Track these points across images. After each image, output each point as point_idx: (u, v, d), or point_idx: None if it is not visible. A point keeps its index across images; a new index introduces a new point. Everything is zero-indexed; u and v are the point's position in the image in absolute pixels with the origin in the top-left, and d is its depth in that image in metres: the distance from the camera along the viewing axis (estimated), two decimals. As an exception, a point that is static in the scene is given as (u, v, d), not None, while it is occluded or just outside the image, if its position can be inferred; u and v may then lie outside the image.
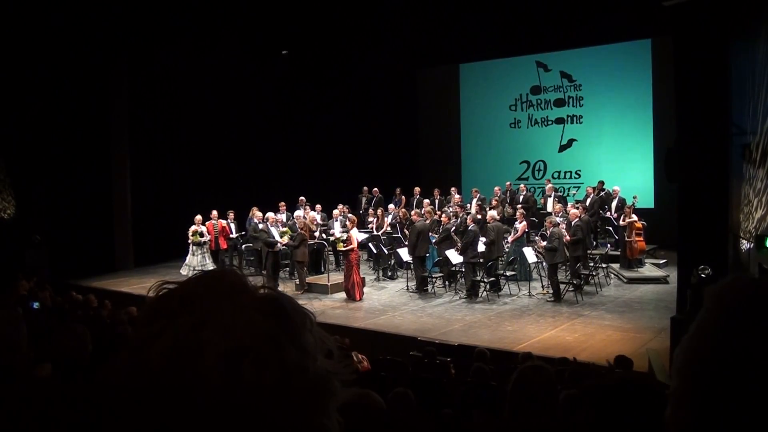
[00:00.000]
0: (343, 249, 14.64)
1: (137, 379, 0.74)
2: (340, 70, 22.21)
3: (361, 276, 14.84)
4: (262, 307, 0.78)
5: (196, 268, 15.85)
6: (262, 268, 17.46)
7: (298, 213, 17.43)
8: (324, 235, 16.80)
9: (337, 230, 16.27)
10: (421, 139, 25.15)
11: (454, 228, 15.02)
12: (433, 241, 15.11)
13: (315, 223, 16.87)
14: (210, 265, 16.21)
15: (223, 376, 0.72)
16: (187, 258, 16.16)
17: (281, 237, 15.37)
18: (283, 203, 17.47)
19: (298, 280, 15.40)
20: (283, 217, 16.55)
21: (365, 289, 15.08)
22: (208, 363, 0.72)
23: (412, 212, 15.96)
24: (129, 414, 0.73)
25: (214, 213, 16.72)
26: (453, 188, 19.59)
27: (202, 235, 16.07)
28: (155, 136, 18.82)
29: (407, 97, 24.65)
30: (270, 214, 15.88)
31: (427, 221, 15.22)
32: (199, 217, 16.15)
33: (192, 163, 19.33)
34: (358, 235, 15.12)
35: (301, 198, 18.78)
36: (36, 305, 9.81)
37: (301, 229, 15.34)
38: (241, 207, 17.60)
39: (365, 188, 20.79)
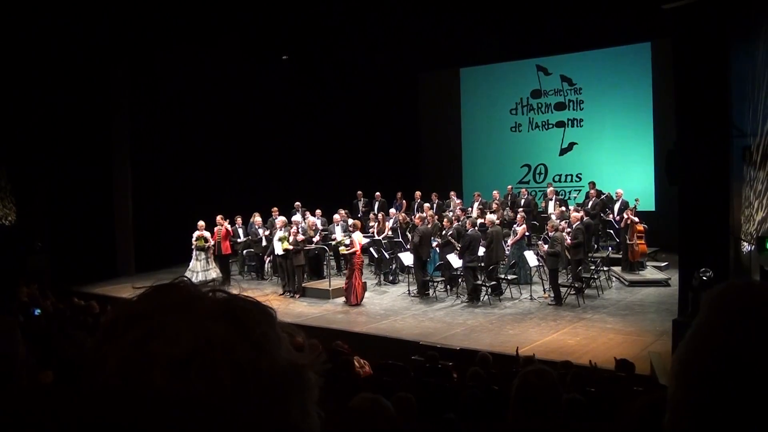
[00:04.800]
0: (346, 252, 14.60)
1: (97, 401, 0.74)
2: (340, 74, 22.23)
3: (363, 280, 14.85)
4: (211, 312, 0.78)
5: (199, 273, 15.87)
6: (263, 274, 17.52)
7: (296, 218, 17.41)
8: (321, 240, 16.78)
9: (338, 235, 16.25)
10: (422, 143, 25.16)
11: (453, 232, 15.02)
12: (435, 244, 15.12)
13: (314, 228, 16.83)
14: (213, 271, 16.21)
15: (174, 386, 0.72)
16: (191, 263, 16.15)
17: (281, 243, 15.41)
18: (275, 208, 17.47)
19: (297, 283, 15.42)
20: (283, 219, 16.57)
21: (367, 294, 15.07)
22: (157, 375, 0.72)
23: (416, 217, 15.92)
24: None
25: (219, 218, 16.69)
26: (452, 192, 19.60)
27: (206, 240, 16.05)
28: (156, 142, 18.82)
29: (408, 101, 24.65)
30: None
31: (429, 225, 15.23)
32: (201, 223, 16.12)
33: (193, 168, 19.34)
34: (361, 239, 15.12)
35: (297, 203, 18.78)
36: (37, 312, 9.82)
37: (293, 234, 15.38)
38: (242, 211, 17.62)
39: (359, 192, 20.80)
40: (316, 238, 16.51)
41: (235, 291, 0.85)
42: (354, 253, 14.53)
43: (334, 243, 15.64)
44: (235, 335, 0.76)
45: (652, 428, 1.82)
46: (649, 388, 7.03)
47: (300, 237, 15.32)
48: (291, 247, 15.17)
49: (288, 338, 0.83)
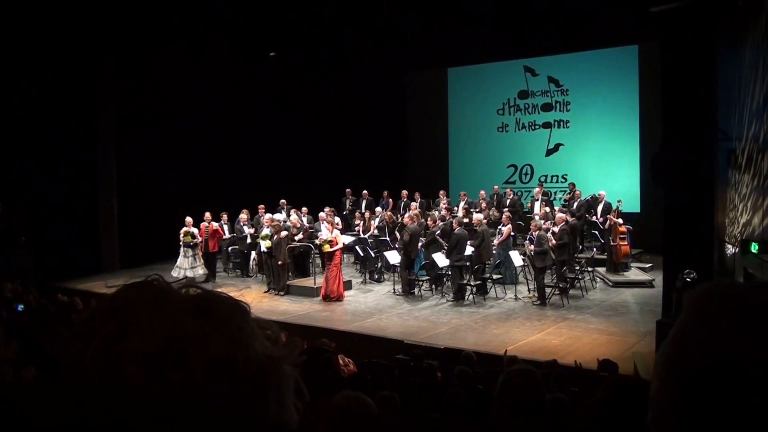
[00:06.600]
0: (330, 250, 14.57)
1: (74, 398, 0.74)
2: (328, 73, 22.19)
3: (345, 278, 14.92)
4: (185, 308, 0.78)
5: (187, 270, 15.81)
6: (248, 271, 17.46)
7: (280, 215, 17.36)
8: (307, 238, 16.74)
9: (324, 233, 16.21)
10: (408, 142, 25.17)
11: (439, 231, 15.03)
12: (420, 244, 15.12)
13: (297, 226, 16.76)
14: (200, 267, 16.16)
15: (149, 381, 0.72)
16: (179, 260, 16.08)
17: (264, 242, 15.40)
18: (262, 206, 17.42)
19: (280, 281, 15.39)
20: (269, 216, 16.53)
21: (352, 292, 15.10)
22: (132, 371, 0.72)
23: (406, 216, 15.89)
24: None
25: (207, 215, 16.62)
26: (441, 191, 19.60)
27: (193, 236, 15.98)
28: (141, 137, 18.72)
29: (395, 100, 24.67)
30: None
31: (414, 223, 15.23)
32: (189, 219, 16.05)
33: (178, 165, 19.23)
34: (342, 237, 15.15)
35: (282, 201, 18.74)
36: (20, 308, 9.74)
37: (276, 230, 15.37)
38: (227, 209, 17.55)
39: (348, 190, 20.81)
40: (299, 237, 16.43)
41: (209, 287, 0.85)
42: (337, 249, 14.58)
43: (319, 243, 15.56)
44: (208, 329, 0.77)
45: (618, 408, 1.83)
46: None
47: (283, 233, 15.29)
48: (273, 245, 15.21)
49: (263, 333, 0.83)
